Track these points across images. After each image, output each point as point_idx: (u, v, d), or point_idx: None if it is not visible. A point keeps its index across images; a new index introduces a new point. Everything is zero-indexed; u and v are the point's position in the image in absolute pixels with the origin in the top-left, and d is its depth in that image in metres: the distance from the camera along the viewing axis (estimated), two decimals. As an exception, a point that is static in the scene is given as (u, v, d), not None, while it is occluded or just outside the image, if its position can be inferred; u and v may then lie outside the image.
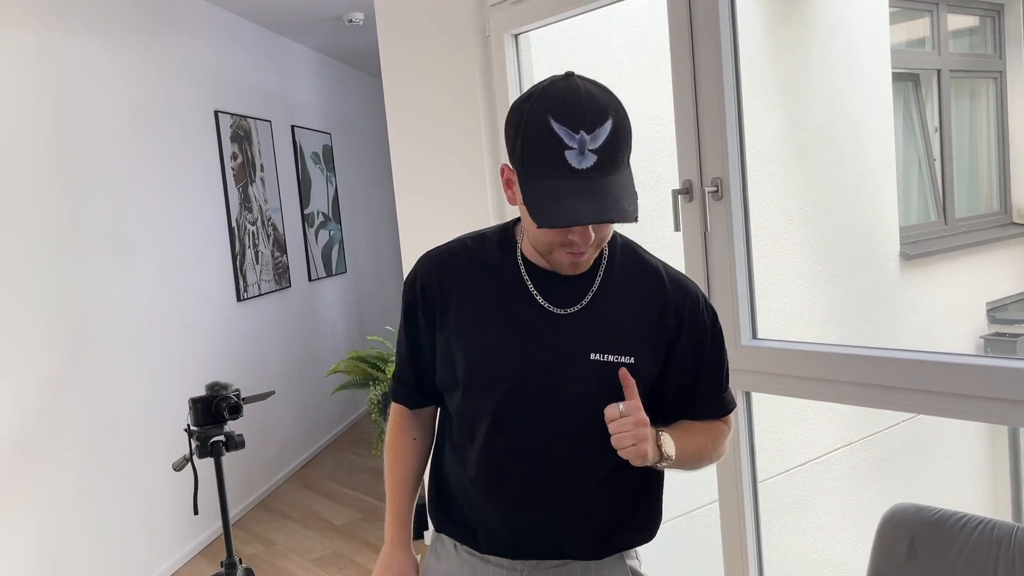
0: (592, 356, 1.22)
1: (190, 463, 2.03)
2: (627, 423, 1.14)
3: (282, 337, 4.95)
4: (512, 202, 1.20)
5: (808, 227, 3.48)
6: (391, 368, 3.69)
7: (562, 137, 1.08)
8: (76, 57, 3.30)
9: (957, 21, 4.83)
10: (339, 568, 3.53)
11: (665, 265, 1.32)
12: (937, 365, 1.53)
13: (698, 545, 3.01)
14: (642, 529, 1.34)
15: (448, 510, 1.37)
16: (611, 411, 1.15)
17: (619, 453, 1.15)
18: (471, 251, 1.32)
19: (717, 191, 1.84)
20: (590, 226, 1.12)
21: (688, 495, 2.99)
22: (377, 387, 4.08)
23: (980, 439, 4.52)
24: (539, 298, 1.24)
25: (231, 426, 2.10)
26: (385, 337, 4.29)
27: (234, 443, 2.05)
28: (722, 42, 1.79)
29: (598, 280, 1.25)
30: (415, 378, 1.38)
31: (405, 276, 1.41)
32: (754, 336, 1.89)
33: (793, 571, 3.42)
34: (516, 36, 2.41)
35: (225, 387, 2.03)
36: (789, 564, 3.42)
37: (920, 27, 4.67)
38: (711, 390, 1.32)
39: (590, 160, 1.08)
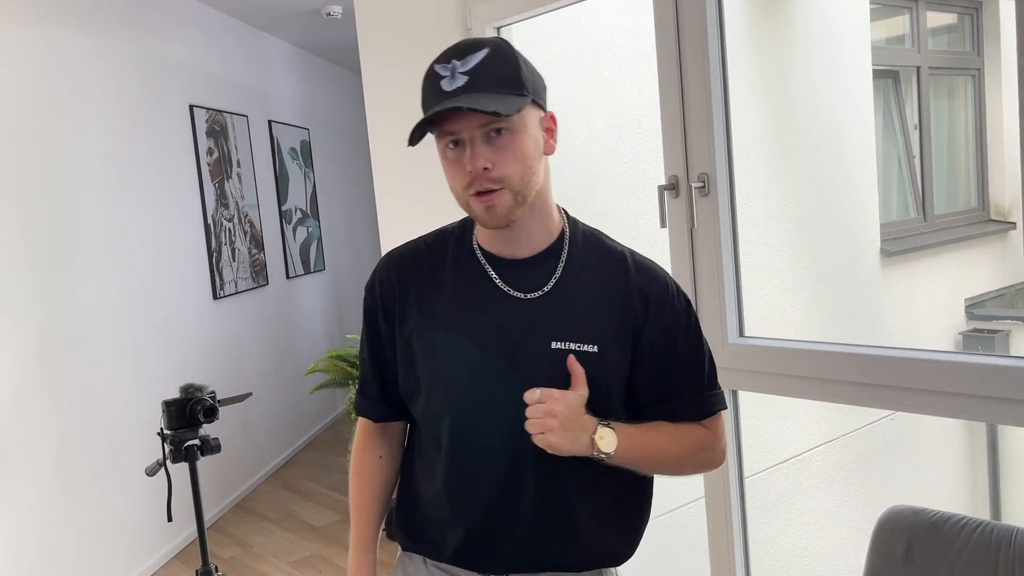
0: (553, 345, 1.17)
1: (163, 468, 1.96)
2: (537, 410, 1.11)
3: (259, 336, 4.88)
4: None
5: (789, 224, 3.48)
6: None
7: (438, 71, 1.12)
8: (47, 50, 3.22)
9: (936, 18, 4.84)
10: (318, 571, 3.48)
11: (632, 251, 1.26)
12: (933, 363, 1.50)
13: (678, 545, 2.99)
14: (624, 536, 1.27)
15: (416, 529, 1.30)
16: (529, 395, 1.12)
17: (533, 440, 1.12)
18: (430, 247, 1.28)
19: (704, 187, 1.80)
20: (479, 152, 1.10)
21: (669, 493, 2.96)
22: (356, 386, 4.02)
23: (958, 436, 4.55)
24: (499, 282, 1.20)
25: (206, 429, 2.03)
26: (365, 335, 4.23)
27: (210, 447, 1.98)
28: (709, 34, 1.75)
29: (560, 266, 1.21)
30: (379, 388, 1.32)
31: None
32: (741, 334, 1.86)
33: (776, 568, 3.42)
34: (499, 29, 2.36)
35: (200, 389, 1.96)
36: (772, 561, 3.41)
37: (899, 24, 4.68)
38: (688, 388, 1.24)
39: (461, 80, 1.10)
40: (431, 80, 1.13)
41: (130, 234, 3.65)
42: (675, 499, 3.02)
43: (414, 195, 2.69)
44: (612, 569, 1.30)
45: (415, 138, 1.11)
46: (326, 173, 6.18)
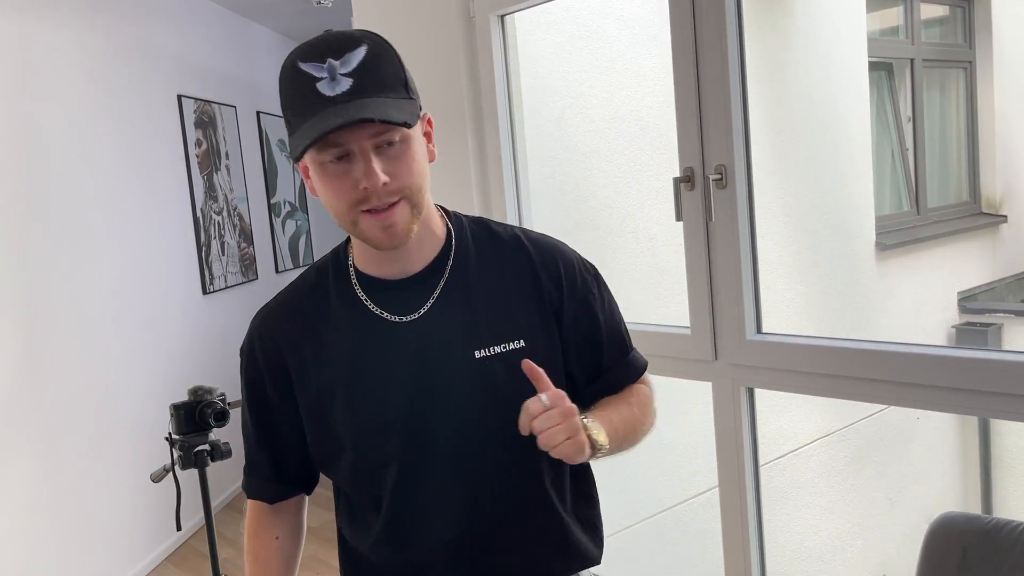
0: (477, 354, 1.07)
1: (172, 475, 1.87)
2: (554, 416, 0.96)
3: (249, 331, 4.80)
4: (313, 192, 1.05)
5: (786, 217, 3.45)
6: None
7: (310, 72, 0.97)
8: (31, 39, 3.12)
9: (929, 10, 4.83)
10: (316, 573, 3.41)
11: (523, 230, 1.19)
12: (960, 360, 1.46)
13: (677, 543, 2.96)
14: (589, 531, 1.20)
15: None
16: (534, 405, 0.97)
17: (552, 453, 0.97)
18: (307, 290, 1.15)
19: (721, 179, 1.75)
20: (377, 167, 0.97)
21: (670, 490, 2.93)
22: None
23: (951, 429, 4.56)
24: (375, 309, 1.09)
25: (217, 434, 1.95)
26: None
27: (220, 452, 1.90)
28: (727, 20, 1.70)
29: (448, 269, 1.10)
30: (270, 465, 1.19)
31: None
32: (759, 330, 1.81)
33: (773, 565, 3.40)
34: (502, 17, 2.30)
35: (210, 391, 1.87)
36: (768, 558, 3.39)
37: (894, 15, 4.66)
38: (617, 354, 1.19)
39: (345, 84, 0.96)
40: (302, 82, 0.97)
41: (117, 228, 3.56)
42: (674, 496, 2.99)
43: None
44: (587, 571, 1.23)
45: (302, 153, 0.97)
46: (314, 165, 6.10)
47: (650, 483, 2.82)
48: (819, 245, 3.70)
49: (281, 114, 1.05)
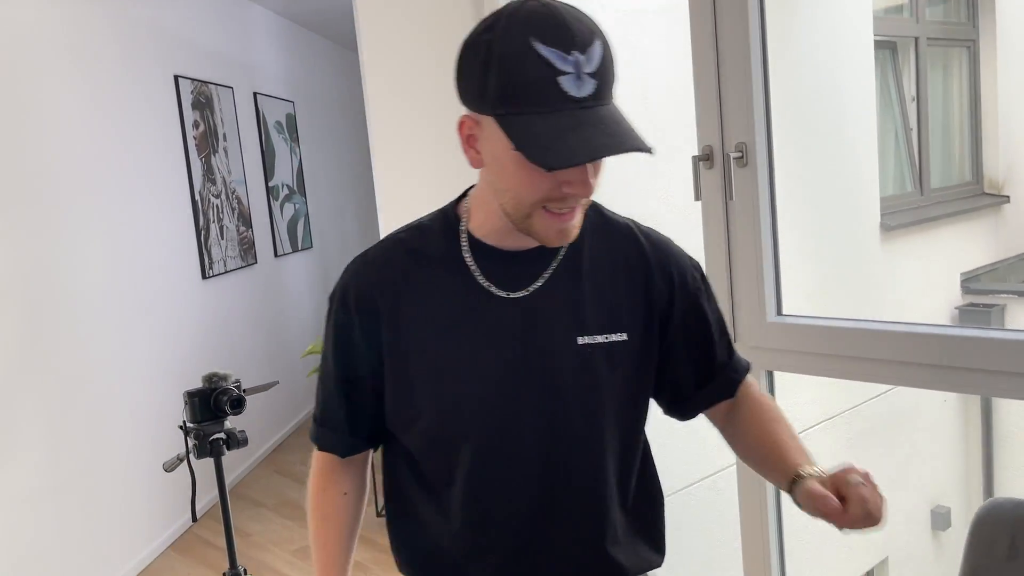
0: (580, 340, 1.04)
1: (187, 464, 1.82)
2: (872, 488, 0.94)
3: (249, 316, 4.75)
4: (476, 164, 0.99)
5: (791, 198, 3.41)
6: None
7: (552, 61, 0.89)
8: (24, 18, 3.05)
9: (932, -12, 4.79)
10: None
11: (635, 222, 1.16)
12: (987, 342, 1.43)
13: (681, 527, 2.94)
14: (653, 543, 1.18)
15: (431, 570, 1.15)
16: (869, 491, 0.94)
17: (872, 528, 0.95)
18: (410, 247, 1.10)
19: (742, 157, 1.71)
20: (591, 177, 0.95)
21: (672, 475, 2.90)
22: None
23: (953, 409, 4.55)
24: (482, 280, 1.05)
25: (232, 422, 1.90)
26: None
27: (236, 440, 1.86)
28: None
29: (562, 249, 1.07)
30: (347, 418, 1.14)
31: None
32: (779, 312, 1.78)
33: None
34: (512, -6, 2.25)
35: (224, 378, 1.82)
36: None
37: (898, -7, 4.61)
38: (726, 352, 1.18)
39: (589, 86, 0.90)
40: (540, 68, 0.89)
41: (116, 212, 3.50)
42: (678, 481, 2.96)
43: (417, 172, 2.58)
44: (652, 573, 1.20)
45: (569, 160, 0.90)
46: (312, 148, 6.02)
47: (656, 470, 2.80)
48: (823, 226, 3.66)
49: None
